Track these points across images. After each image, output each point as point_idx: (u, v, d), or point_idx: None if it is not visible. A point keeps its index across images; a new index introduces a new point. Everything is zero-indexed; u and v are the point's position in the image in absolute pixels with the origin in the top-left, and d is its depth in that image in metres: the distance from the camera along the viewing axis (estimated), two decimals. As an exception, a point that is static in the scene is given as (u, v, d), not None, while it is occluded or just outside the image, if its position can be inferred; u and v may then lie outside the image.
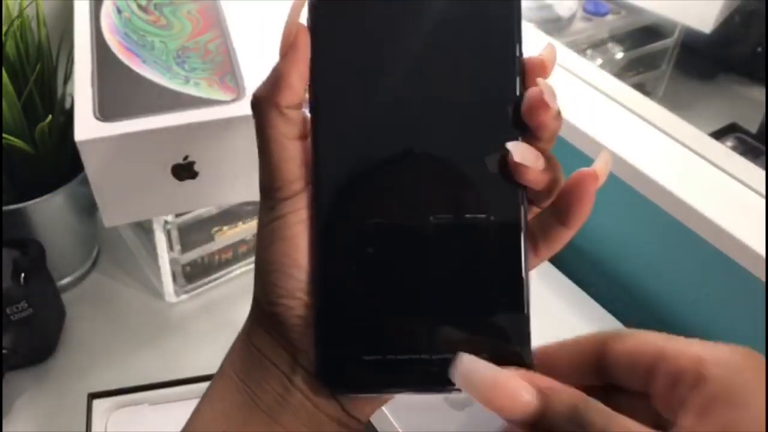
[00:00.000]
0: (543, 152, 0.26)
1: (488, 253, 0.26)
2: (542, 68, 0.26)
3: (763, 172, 0.63)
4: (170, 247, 0.67)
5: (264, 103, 0.27)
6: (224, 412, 0.28)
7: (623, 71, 0.94)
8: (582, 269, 0.77)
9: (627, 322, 0.71)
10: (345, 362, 0.26)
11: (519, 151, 0.25)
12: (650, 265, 0.72)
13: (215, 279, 0.74)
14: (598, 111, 0.71)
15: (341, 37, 0.27)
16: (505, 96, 0.26)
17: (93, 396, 0.59)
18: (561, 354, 0.26)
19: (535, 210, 0.28)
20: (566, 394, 0.22)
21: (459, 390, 0.25)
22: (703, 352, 0.22)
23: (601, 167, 0.26)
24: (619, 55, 0.93)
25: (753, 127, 0.87)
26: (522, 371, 0.24)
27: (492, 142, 0.26)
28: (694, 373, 0.22)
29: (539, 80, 0.26)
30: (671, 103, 0.75)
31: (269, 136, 0.27)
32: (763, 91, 0.89)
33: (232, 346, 0.29)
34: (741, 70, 0.97)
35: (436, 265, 0.26)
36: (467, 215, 0.26)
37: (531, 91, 0.26)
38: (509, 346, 0.26)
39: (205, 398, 0.29)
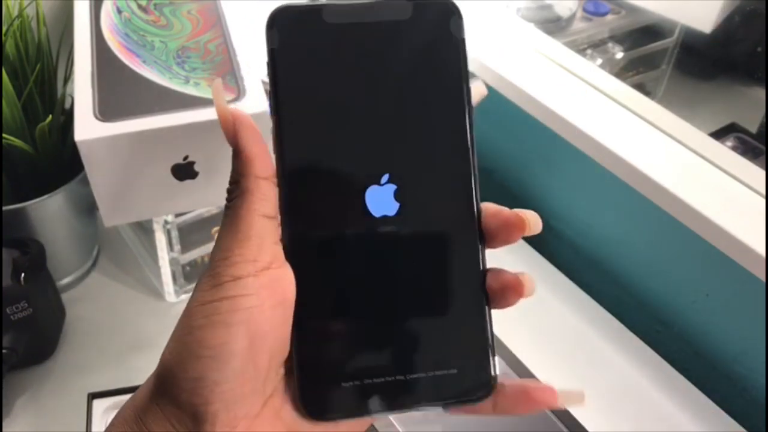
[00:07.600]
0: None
1: (451, 275, 0.28)
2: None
3: (763, 172, 0.63)
4: (170, 247, 0.67)
5: (244, 178, 0.26)
6: None
7: (623, 71, 0.94)
8: (582, 269, 0.77)
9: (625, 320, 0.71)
10: (325, 389, 0.27)
11: (529, 288, 0.27)
12: (650, 265, 0.72)
13: (215, 279, 0.74)
14: (598, 111, 0.71)
15: (302, 96, 0.28)
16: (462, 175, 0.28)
17: (93, 396, 0.59)
18: None
19: None
20: None
21: (437, 407, 0.27)
22: None
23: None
24: (619, 55, 0.93)
25: (753, 127, 0.87)
26: None
27: (456, 195, 0.28)
28: None
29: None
30: (671, 103, 0.75)
31: (243, 210, 0.26)
32: (763, 91, 0.89)
33: (111, 426, 0.26)
34: (741, 70, 0.96)
35: (405, 292, 0.28)
36: (431, 250, 0.28)
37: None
38: (475, 363, 0.28)
39: None
